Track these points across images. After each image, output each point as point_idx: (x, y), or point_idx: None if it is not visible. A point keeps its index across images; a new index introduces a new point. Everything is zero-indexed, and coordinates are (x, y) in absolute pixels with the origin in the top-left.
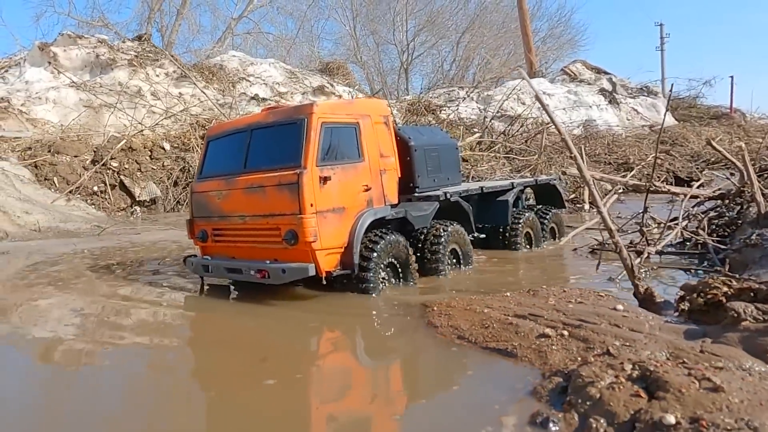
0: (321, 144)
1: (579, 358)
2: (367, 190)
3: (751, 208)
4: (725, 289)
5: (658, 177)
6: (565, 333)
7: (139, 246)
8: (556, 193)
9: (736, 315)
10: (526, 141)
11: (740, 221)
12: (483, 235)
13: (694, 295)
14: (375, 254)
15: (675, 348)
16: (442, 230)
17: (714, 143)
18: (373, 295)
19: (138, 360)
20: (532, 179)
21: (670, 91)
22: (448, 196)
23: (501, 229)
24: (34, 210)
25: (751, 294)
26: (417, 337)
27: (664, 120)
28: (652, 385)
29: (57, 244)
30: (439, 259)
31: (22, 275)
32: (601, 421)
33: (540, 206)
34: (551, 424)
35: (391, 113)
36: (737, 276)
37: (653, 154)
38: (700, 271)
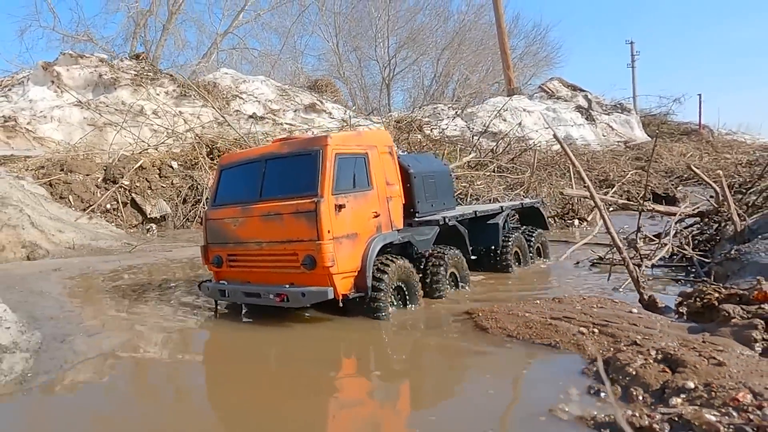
0: (335, 174)
1: (611, 348)
2: (376, 217)
3: (728, 227)
4: (716, 294)
5: (638, 194)
6: (596, 330)
7: (177, 262)
8: (539, 215)
9: (727, 314)
10: (512, 159)
11: (719, 237)
12: (474, 257)
13: (691, 300)
14: (387, 277)
15: (683, 339)
16: (443, 255)
17: (693, 167)
18: (383, 317)
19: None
20: (518, 203)
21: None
22: (447, 220)
23: (492, 251)
24: (66, 228)
25: (737, 298)
26: (472, 337)
27: (654, 149)
28: (673, 363)
29: (99, 261)
30: (440, 281)
31: (108, 290)
32: (639, 389)
33: (526, 227)
34: (602, 394)
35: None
36: (723, 285)
37: (632, 171)
38: (688, 282)
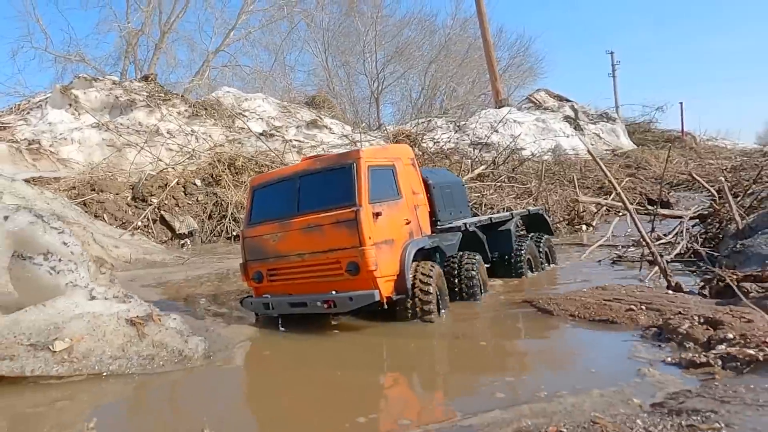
0: (370, 184)
1: (660, 319)
2: (408, 224)
3: (730, 226)
4: (735, 276)
5: (633, 199)
6: (644, 308)
7: (235, 271)
8: (545, 222)
9: (746, 290)
10: (513, 169)
11: (722, 235)
12: (487, 264)
13: (713, 282)
14: (433, 281)
15: (715, 310)
16: (473, 259)
17: (695, 174)
18: (434, 319)
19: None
20: (525, 210)
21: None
22: (468, 226)
23: (506, 257)
24: (119, 244)
25: (752, 278)
26: (540, 317)
27: (667, 159)
28: (713, 324)
29: (163, 273)
30: (475, 284)
31: (199, 294)
32: (691, 343)
33: (534, 233)
34: (664, 346)
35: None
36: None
37: (626, 178)
38: (703, 273)
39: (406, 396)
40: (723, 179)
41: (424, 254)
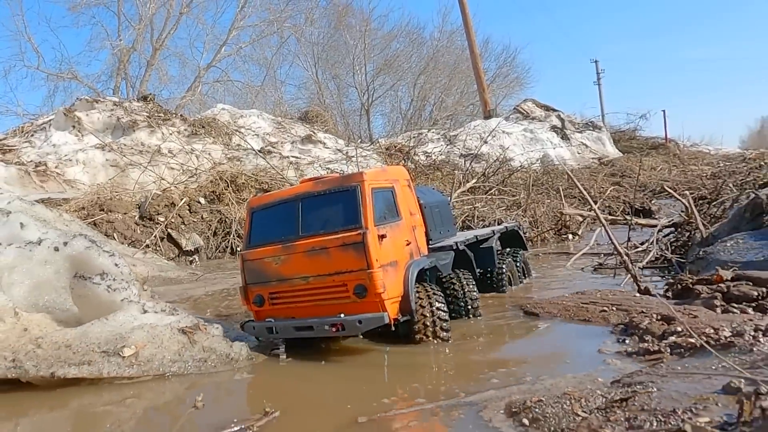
0: (374, 206)
1: (627, 318)
2: (408, 245)
3: (696, 234)
4: (691, 280)
5: (617, 208)
6: (614, 309)
7: None
8: (519, 237)
9: (698, 292)
10: (503, 181)
11: (690, 243)
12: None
13: (674, 285)
14: (443, 298)
15: (671, 309)
16: (465, 278)
17: (666, 186)
18: (449, 339)
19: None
20: (503, 227)
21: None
22: (458, 245)
23: (489, 272)
24: (136, 262)
25: (705, 281)
26: (528, 320)
27: (639, 169)
28: (667, 320)
29: (182, 289)
30: (477, 303)
31: (226, 306)
32: (649, 336)
33: (510, 249)
34: (627, 340)
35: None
36: (695, 275)
37: (611, 187)
38: (670, 277)
39: (419, 384)
40: (687, 193)
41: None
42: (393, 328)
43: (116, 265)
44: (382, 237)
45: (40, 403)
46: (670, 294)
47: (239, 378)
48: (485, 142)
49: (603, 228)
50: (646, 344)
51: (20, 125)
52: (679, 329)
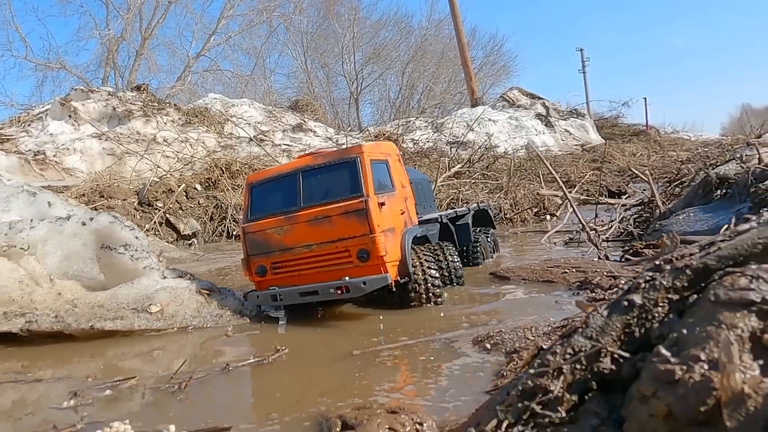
0: (373, 177)
1: (584, 278)
2: (402, 214)
3: (656, 211)
4: (641, 246)
5: (597, 192)
6: (574, 270)
7: None
8: (488, 216)
9: (645, 255)
10: (487, 167)
11: (652, 218)
12: None
13: (630, 251)
14: (435, 266)
15: (620, 268)
16: (449, 249)
17: (633, 168)
18: (443, 301)
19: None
20: (476, 206)
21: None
22: (442, 218)
23: (465, 247)
24: None
25: (651, 246)
26: (500, 283)
27: (604, 152)
28: (615, 277)
29: (186, 267)
30: (460, 272)
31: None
32: (599, 289)
33: (480, 227)
34: (581, 293)
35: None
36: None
37: (590, 172)
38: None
39: (402, 329)
40: (647, 173)
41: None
42: (393, 289)
43: (136, 237)
44: (381, 205)
45: (81, 352)
46: (624, 259)
47: (250, 331)
48: (471, 130)
49: (571, 206)
50: (595, 295)
51: (17, 115)
52: (623, 281)
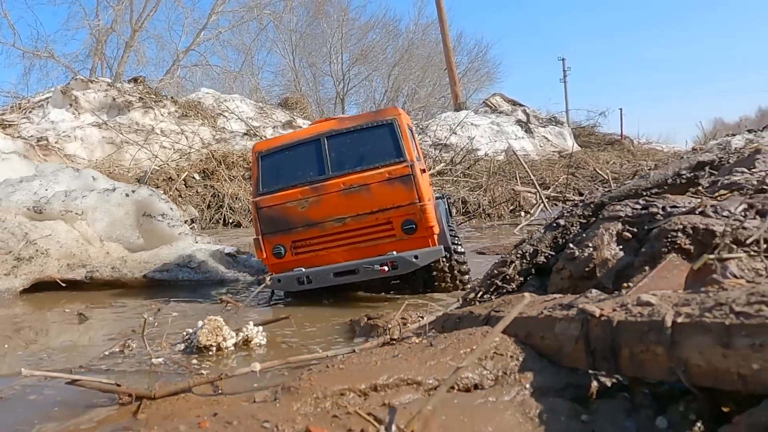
0: (411, 142)
1: None
2: (430, 185)
3: None
4: None
5: (563, 191)
6: None
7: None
8: (447, 207)
9: None
10: (468, 167)
11: None
12: None
13: None
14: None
15: None
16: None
17: (600, 172)
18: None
19: None
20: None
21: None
22: (443, 195)
23: None
24: None
25: None
26: (481, 257)
27: (568, 164)
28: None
29: None
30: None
31: None
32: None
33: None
34: None
35: None
36: None
37: (564, 176)
38: None
39: (400, 296)
40: (609, 173)
41: None
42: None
43: (171, 209)
44: (423, 171)
45: (135, 297)
46: None
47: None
48: (454, 133)
49: (542, 201)
50: None
51: (17, 102)
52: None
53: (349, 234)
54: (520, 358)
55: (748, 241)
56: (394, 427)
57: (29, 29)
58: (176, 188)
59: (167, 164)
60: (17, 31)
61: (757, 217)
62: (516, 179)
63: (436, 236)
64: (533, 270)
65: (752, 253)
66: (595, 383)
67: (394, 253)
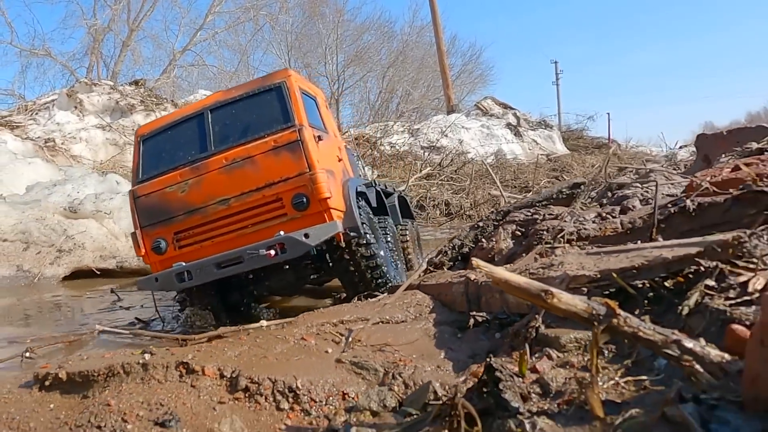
0: (304, 106)
1: None
2: (340, 161)
3: None
4: None
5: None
6: None
7: None
8: (407, 207)
9: None
10: (456, 170)
11: None
12: None
13: None
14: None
15: None
16: (387, 222)
17: (578, 174)
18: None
19: None
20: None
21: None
22: (377, 185)
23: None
24: None
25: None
26: None
27: (538, 168)
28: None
29: None
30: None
31: None
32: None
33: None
34: None
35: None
36: None
37: (546, 180)
38: None
39: None
40: (582, 175)
41: None
42: (342, 244)
43: None
44: (318, 138)
45: None
46: None
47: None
48: (445, 136)
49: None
50: None
51: (24, 103)
52: None
53: (235, 218)
54: (431, 306)
55: (585, 236)
56: (350, 338)
57: (26, 27)
58: None
59: None
60: (14, 29)
61: (596, 221)
62: (496, 183)
63: (333, 211)
64: (459, 257)
65: (574, 243)
66: (471, 320)
67: (282, 233)
